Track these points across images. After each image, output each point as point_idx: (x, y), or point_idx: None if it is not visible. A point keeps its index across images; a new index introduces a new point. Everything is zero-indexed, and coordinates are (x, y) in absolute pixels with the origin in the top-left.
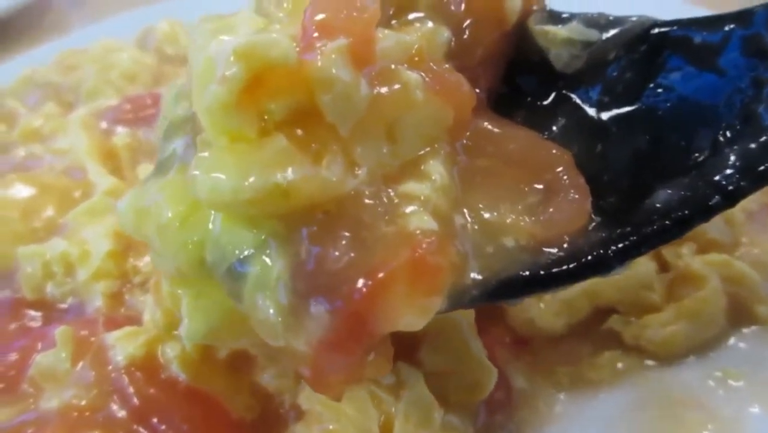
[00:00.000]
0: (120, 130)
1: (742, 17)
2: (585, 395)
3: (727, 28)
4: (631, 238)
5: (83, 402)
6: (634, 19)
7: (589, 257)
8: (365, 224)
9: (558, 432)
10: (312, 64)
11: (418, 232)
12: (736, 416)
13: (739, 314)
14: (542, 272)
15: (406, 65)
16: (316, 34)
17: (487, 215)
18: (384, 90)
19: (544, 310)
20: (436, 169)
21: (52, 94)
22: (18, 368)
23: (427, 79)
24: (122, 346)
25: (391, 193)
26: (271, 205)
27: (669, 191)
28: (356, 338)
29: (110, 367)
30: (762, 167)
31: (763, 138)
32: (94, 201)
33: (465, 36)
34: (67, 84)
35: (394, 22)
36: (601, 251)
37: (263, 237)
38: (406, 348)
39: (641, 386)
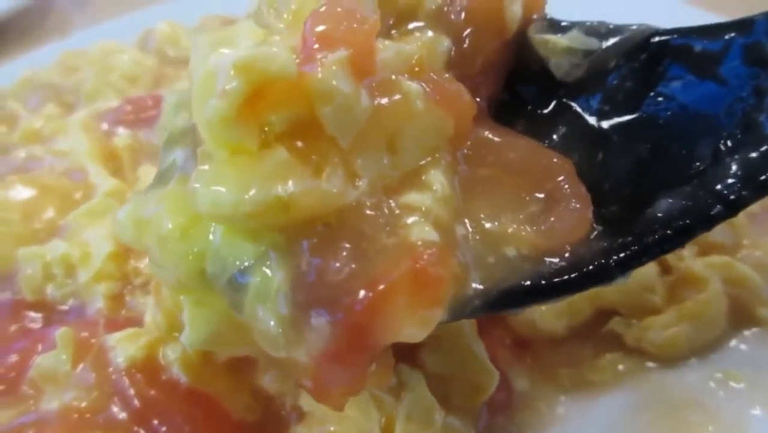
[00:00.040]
0: (121, 131)
1: (742, 25)
2: (586, 396)
3: (727, 37)
4: (633, 247)
5: (84, 404)
6: (634, 27)
7: (591, 267)
8: (366, 236)
9: None
10: (312, 76)
11: (419, 243)
12: (738, 418)
13: (741, 316)
14: (544, 282)
15: (406, 75)
16: (316, 46)
17: (488, 225)
18: (384, 101)
19: (545, 312)
20: (437, 179)
21: (52, 95)
22: (18, 370)
23: (427, 89)
24: (123, 347)
25: (392, 204)
26: (272, 217)
27: (670, 200)
28: (357, 350)
29: (111, 369)
30: (763, 176)
31: (765, 147)
32: (94, 203)
33: (465, 45)
34: (67, 85)
35: (394, 32)
36: (603, 261)
37: (263, 249)
38: (407, 350)
39: (642, 387)
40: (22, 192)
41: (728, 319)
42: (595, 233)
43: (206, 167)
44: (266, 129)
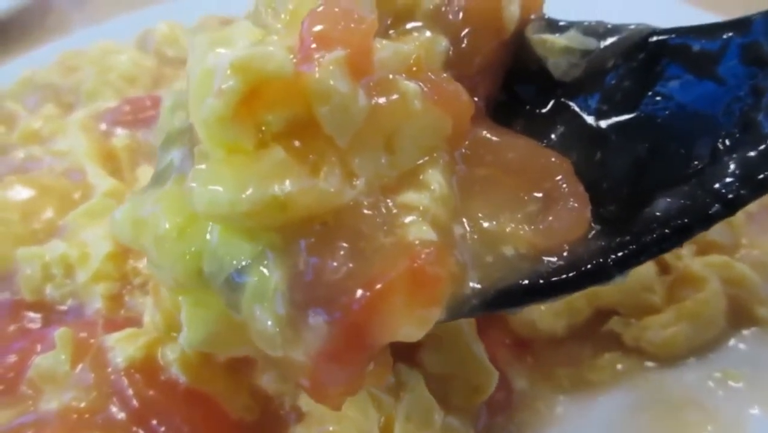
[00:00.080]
0: (119, 131)
1: (740, 25)
2: (585, 396)
3: (725, 36)
4: (631, 246)
5: (83, 404)
6: (632, 27)
7: (589, 266)
8: (363, 235)
9: None
10: (309, 75)
11: (416, 242)
12: (736, 417)
13: (739, 316)
14: (542, 281)
15: (404, 75)
16: (313, 46)
17: (486, 224)
18: (382, 100)
19: (544, 312)
20: (435, 178)
21: (51, 95)
22: (17, 370)
23: (425, 88)
24: (122, 348)
25: (390, 204)
26: (269, 217)
27: (668, 200)
28: (355, 349)
29: (110, 369)
30: (762, 175)
31: (763, 146)
32: (93, 203)
33: (463, 45)
34: (66, 86)
35: (391, 32)
36: (601, 260)
37: (261, 248)
38: (406, 350)
39: (641, 387)
40: (21, 192)
41: (727, 318)
42: (593, 232)
43: (203, 167)
44: (263, 128)
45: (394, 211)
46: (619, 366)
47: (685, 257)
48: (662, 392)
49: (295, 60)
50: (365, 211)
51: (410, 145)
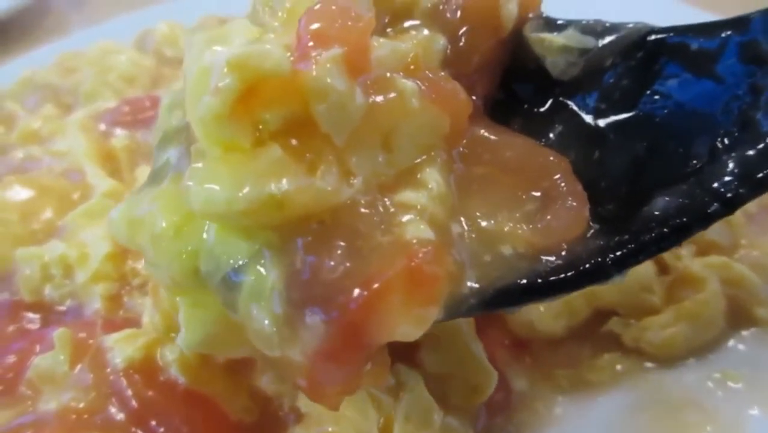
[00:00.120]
0: (118, 132)
1: (738, 23)
2: (585, 397)
3: (723, 35)
4: (630, 246)
5: (81, 405)
6: (630, 25)
7: (587, 265)
8: (361, 234)
9: None
10: (307, 73)
11: (414, 241)
12: (736, 418)
13: (739, 316)
14: (540, 281)
15: (401, 73)
16: (310, 44)
17: (484, 223)
18: (379, 99)
19: (543, 312)
20: (433, 177)
21: (50, 96)
22: (16, 371)
23: (422, 87)
24: (121, 348)
25: (387, 203)
26: (266, 216)
27: (667, 198)
28: (352, 348)
29: (109, 369)
30: (761, 174)
31: (762, 145)
32: (92, 203)
33: (461, 43)
34: (66, 86)
35: (389, 30)
36: (599, 259)
37: (257, 247)
38: (405, 350)
39: (641, 388)
40: (20, 193)
41: (726, 319)
42: (592, 231)
43: (200, 165)
44: (260, 127)
45: (392, 209)
46: (618, 367)
47: (685, 257)
48: (661, 393)
49: (292, 58)
50: (362, 209)
51: (408, 144)
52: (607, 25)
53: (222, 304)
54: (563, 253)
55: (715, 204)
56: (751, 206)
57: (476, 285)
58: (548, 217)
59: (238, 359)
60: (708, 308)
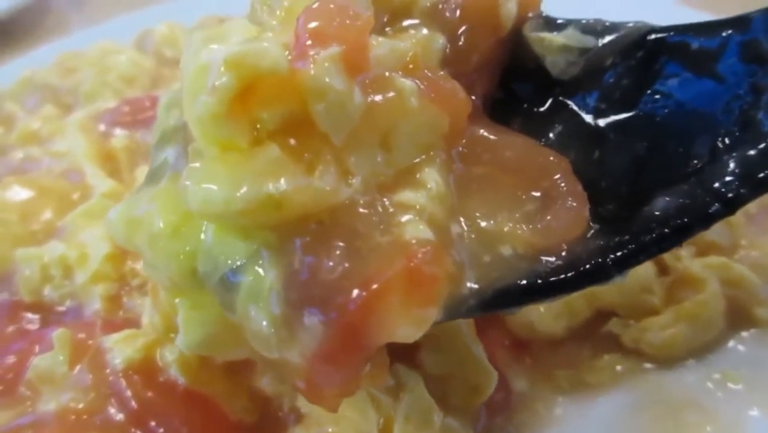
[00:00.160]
0: (118, 132)
1: (739, 22)
2: (584, 397)
3: (724, 34)
4: (630, 246)
5: (81, 405)
6: (630, 25)
7: (588, 266)
8: (359, 234)
9: None
10: (305, 72)
11: (413, 241)
12: (735, 419)
13: (738, 317)
14: (540, 281)
15: (400, 72)
16: (308, 42)
17: (483, 224)
18: (378, 98)
19: (543, 313)
20: (432, 177)
21: (50, 96)
22: (15, 371)
23: (422, 86)
24: (120, 349)
25: (386, 203)
26: (264, 215)
27: (668, 199)
28: (351, 350)
29: (108, 370)
30: (762, 174)
31: (763, 145)
32: (92, 204)
33: (460, 43)
34: (65, 86)
35: (388, 29)
36: (600, 260)
37: (255, 247)
38: (405, 350)
39: (640, 388)
40: (20, 193)
41: (726, 320)
42: (592, 231)
43: (197, 165)
44: (258, 126)
45: (391, 209)
46: (618, 367)
47: (684, 258)
48: (661, 394)
49: (290, 57)
50: (361, 209)
51: (407, 143)
52: (607, 24)
53: (220, 305)
54: (563, 253)
55: (716, 204)
56: (751, 207)
57: (476, 286)
58: (548, 217)
59: (237, 359)
60: (708, 308)
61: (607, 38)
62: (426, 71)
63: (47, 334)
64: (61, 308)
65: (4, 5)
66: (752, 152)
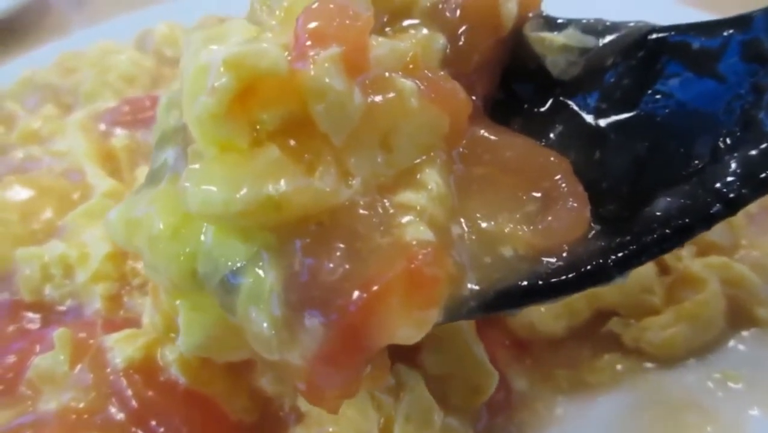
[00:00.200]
0: (118, 132)
1: (740, 22)
2: (585, 397)
3: (725, 33)
4: (631, 247)
5: (81, 405)
6: (631, 24)
7: (589, 267)
8: (360, 235)
9: None
10: (304, 73)
11: (414, 243)
12: (736, 419)
13: (739, 317)
14: (541, 282)
15: (400, 73)
16: (308, 43)
17: (484, 225)
18: (378, 98)
19: (544, 313)
20: (432, 178)
21: (50, 96)
22: (16, 371)
23: (422, 86)
24: (121, 348)
25: (387, 204)
26: (264, 217)
27: (669, 199)
28: (351, 351)
29: (109, 369)
30: (763, 174)
31: (764, 145)
32: (92, 203)
33: (460, 43)
34: (66, 86)
35: (388, 29)
36: (601, 261)
37: (256, 249)
38: (406, 350)
39: (641, 388)
40: (20, 193)
41: (726, 319)
42: (593, 232)
43: (197, 166)
44: (258, 127)
45: (391, 211)
46: (618, 367)
47: (685, 257)
48: (661, 393)
49: (289, 57)
50: (361, 211)
51: (407, 144)
52: (608, 24)
53: (220, 307)
54: (564, 254)
55: (718, 205)
56: (752, 207)
57: (476, 287)
58: (549, 218)
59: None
60: (708, 308)
61: (608, 38)
62: (426, 71)
63: (48, 333)
64: (62, 308)
65: (4, 5)
66: (754, 152)
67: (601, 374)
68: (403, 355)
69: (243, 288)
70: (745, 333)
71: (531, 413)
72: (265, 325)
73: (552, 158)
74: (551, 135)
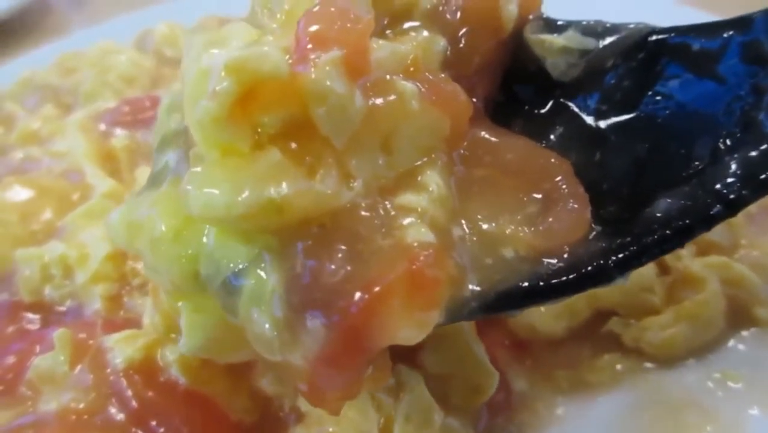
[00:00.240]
0: (118, 132)
1: (740, 23)
2: (585, 397)
3: (725, 35)
4: (632, 248)
5: (81, 405)
6: (631, 26)
7: (590, 268)
8: (361, 237)
9: None
10: (305, 76)
11: (415, 244)
12: (736, 418)
13: (739, 317)
14: (542, 283)
15: (401, 75)
16: (309, 46)
17: (485, 226)
18: (379, 101)
19: (544, 313)
20: (433, 179)
21: (50, 96)
22: (16, 371)
23: (422, 89)
24: (121, 349)
25: (388, 206)
26: (265, 219)
27: (669, 200)
28: (353, 353)
29: (109, 370)
30: (763, 175)
31: (764, 146)
32: (92, 204)
33: (461, 45)
34: (65, 86)
35: (388, 32)
36: (602, 262)
37: (257, 251)
38: (406, 350)
39: (640, 388)
40: (20, 193)
41: (726, 319)
42: (594, 233)
43: (198, 169)
44: (259, 130)
45: (392, 212)
46: (618, 367)
47: (685, 257)
48: (661, 393)
49: (290, 60)
50: (363, 213)
51: (408, 146)
52: (608, 25)
53: (222, 308)
54: (565, 255)
55: (718, 206)
56: (752, 207)
57: (477, 288)
58: (550, 219)
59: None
60: (708, 308)
61: (608, 40)
62: (427, 74)
63: (48, 334)
64: (62, 308)
65: (4, 5)
66: (754, 153)
67: (601, 374)
68: (403, 355)
69: (245, 290)
70: (744, 333)
71: (531, 413)
72: (266, 326)
73: (553, 160)
74: (552, 137)
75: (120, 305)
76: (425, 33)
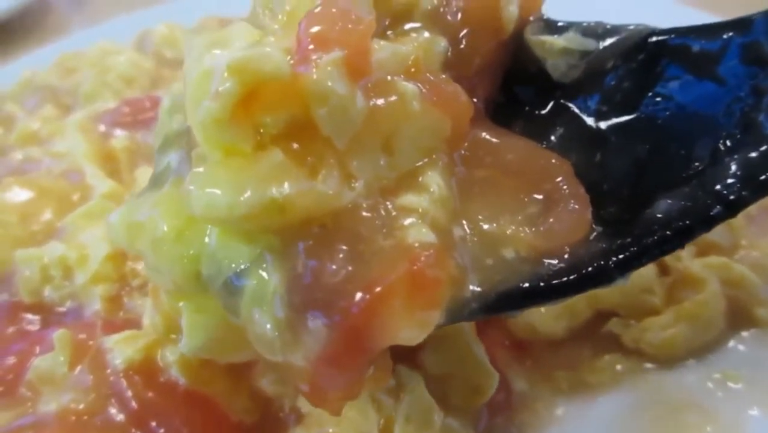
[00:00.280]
0: (118, 133)
1: (740, 25)
2: (585, 397)
3: (725, 36)
4: (632, 249)
5: (81, 406)
6: (631, 27)
7: (590, 268)
8: (362, 238)
9: None
10: (307, 77)
11: (416, 245)
12: (736, 419)
13: (739, 317)
14: (542, 284)
15: (402, 76)
16: (311, 47)
17: (486, 227)
18: (380, 102)
19: (544, 314)
20: (434, 180)
21: (50, 97)
22: (16, 372)
23: (423, 89)
24: (121, 349)
25: (389, 206)
26: (267, 219)
27: (669, 201)
28: (354, 353)
29: (108, 370)
30: (763, 176)
31: (764, 147)
32: (92, 204)
33: (462, 46)
34: (65, 87)
35: (389, 32)
36: (602, 262)
37: (259, 251)
38: (406, 351)
39: (640, 388)
40: (20, 194)
41: (726, 319)
42: (594, 234)
43: (201, 169)
44: (261, 131)
45: (393, 213)
46: (618, 367)
47: (685, 258)
48: (661, 394)
49: (292, 61)
50: (364, 213)
51: (409, 147)
52: (608, 27)
53: (223, 308)
54: (566, 256)
55: (718, 206)
56: (752, 208)
57: (478, 289)
58: (550, 220)
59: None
60: (708, 308)
61: (608, 41)
62: (428, 75)
63: (47, 335)
64: (62, 309)
65: (4, 5)
66: (754, 154)
67: (601, 374)
68: (403, 355)
69: (246, 290)
70: (744, 333)
71: (531, 413)
72: (268, 326)
73: (553, 160)
74: (552, 137)
75: (120, 305)
76: (426, 34)
